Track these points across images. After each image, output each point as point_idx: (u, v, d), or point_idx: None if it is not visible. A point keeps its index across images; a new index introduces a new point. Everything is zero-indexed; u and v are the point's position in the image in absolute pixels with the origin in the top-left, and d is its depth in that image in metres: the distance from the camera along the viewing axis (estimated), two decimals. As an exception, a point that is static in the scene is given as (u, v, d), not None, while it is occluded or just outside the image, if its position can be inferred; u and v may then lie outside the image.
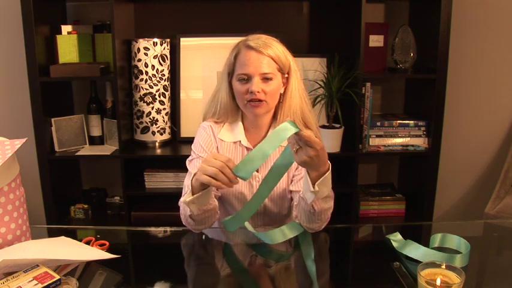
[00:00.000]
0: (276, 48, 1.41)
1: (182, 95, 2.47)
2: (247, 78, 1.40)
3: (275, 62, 1.41)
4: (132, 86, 2.36)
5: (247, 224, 1.35)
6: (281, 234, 1.33)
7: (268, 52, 1.39)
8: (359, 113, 2.28)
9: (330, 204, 1.34)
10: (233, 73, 1.44)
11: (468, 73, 2.57)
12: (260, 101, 1.40)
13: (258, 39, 1.41)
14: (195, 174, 1.24)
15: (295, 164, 1.49)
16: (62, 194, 2.43)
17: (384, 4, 2.52)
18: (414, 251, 1.21)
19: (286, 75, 1.46)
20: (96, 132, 2.45)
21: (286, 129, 1.14)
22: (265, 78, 1.39)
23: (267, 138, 1.17)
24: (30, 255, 1.05)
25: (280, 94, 1.46)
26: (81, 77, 2.31)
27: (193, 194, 1.25)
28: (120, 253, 1.20)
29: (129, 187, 2.34)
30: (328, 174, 1.23)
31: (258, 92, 1.38)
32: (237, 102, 1.46)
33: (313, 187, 1.22)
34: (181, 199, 1.33)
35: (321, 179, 1.22)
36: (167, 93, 2.39)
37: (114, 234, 1.55)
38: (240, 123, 1.50)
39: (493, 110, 2.63)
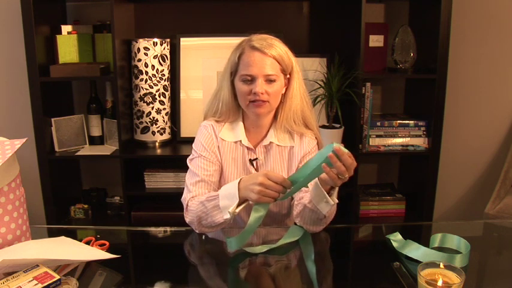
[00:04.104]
0: (279, 49, 1.41)
1: (182, 95, 2.47)
2: (250, 79, 1.40)
3: (278, 63, 1.41)
4: (132, 86, 2.36)
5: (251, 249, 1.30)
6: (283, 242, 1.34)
7: (272, 53, 1.39)
8: (359, 113, 2.28)
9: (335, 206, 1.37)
10: (236, 73, 1.44)
11: (468, 73, 2.57)
12: (263, 101, 1.40)
13: (262, 40, 1.41)
14: (239, 183, 1.27)
15: (295, 164, 1.50)
16: (62, 194, 2.43)
17: (384, 4, 2.51)
18: (414, 251, 1.21)
19: (288, 76, 1.46)
20: (96, 132, 2.45)
21: None
22: (269, 80, 1.39)
23: None
24: (30, 255, 1.05)
25: (282, 94, 1.46)
26: (81, 77, 2.31)
27: (239, 204, 1.27)
28: (120, 253, 1.20)
29: (129, 187, 2.34)
30: None
31: (262, 93, 1.38)
32: (239, 102, 1.46)
33: (330, 199, 1.26)
34: (229, 208, 1.28)
35: (335, 189, 1.26)
36: (167, 93, 2.39)
37: (114, 234, 1.55)
38: (241, 123, 1.50)
39: (493, 110, 2.62)
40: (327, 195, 1.25)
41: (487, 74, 2.58)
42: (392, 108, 2.63)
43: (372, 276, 1.21)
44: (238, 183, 1.27)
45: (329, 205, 1.27)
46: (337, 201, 1.28)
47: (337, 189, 1.28)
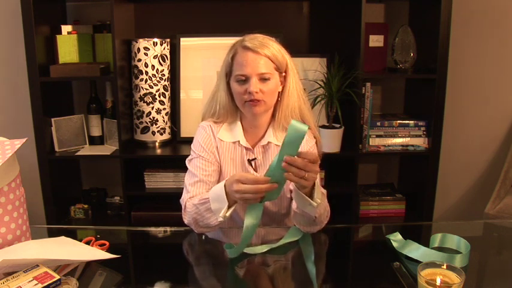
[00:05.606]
0: (272, 47, 1.41)
1: (182, 95, 2.47)
2: (245, 79, 1.40)
3: (272, 61, 1.41)
4: (132, 86, 2.36)
5: (251, 249, 1.29)
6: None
7: (265, 52, 1.39)
8: (359, 113, 2.28)
9: (326, 202, 1.37)
10: (231, 74, 1.44)
11: (468, 73, 2.57)
12: (258, 100, 1.40)
13: (255, 40, 1.41)
14: (225, 185, 1.26)
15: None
16: (62, 194, 2.43)
17: (384, 4, 2.51)
18: (414, 251, 1.21)
19: (283, 74, 1.46)
20: (96, 132, 2.45)
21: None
22: (263, 79, 1.39)
23: None
24: (30, 255, 1.05)
25: (279, 93, 1.47)
26: (81, 77, 2.31)
27: (229, 206, 1.27)
28: (120, 253, 1.20)
29: (129, 187, 2.34)
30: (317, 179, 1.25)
31: (256, 92, 1.39)
32: (236, 102, 1.46)
33: (313, 201, 1.24)
34: (220, 212, 1.28)
35: (315, 189, 1.24)
36: (167, 93, 2.39)
37: (114, 234, 1.55)
38: (239, 123, 1.50)
39: (493, 110, 2.63)
40: (308, 199, 1.24)
41: (487, 73, 2.58)
42: (392, 108, 2.63)
43: (372, 276, 1.21)
44: (225, 185, 1.27)
45: (314, 207, 1.26)
46: (319, 201, 1.25)
47: (318, 188, 1.25)
